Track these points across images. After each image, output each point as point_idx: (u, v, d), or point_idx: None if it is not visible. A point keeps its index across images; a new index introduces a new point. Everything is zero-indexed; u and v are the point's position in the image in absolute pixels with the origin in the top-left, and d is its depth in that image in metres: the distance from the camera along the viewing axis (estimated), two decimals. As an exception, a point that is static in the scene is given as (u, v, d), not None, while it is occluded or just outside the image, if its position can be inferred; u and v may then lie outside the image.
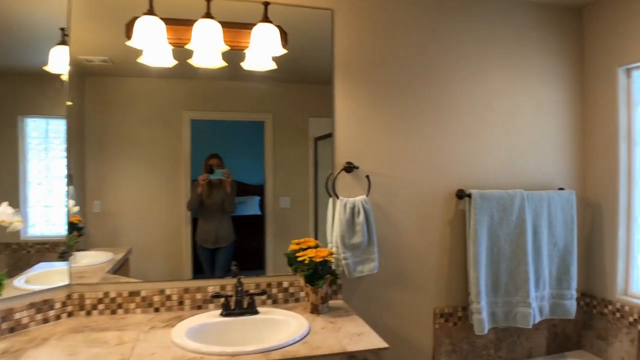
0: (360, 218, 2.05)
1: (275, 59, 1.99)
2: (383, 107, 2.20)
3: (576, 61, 2.55)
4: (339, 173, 2.12)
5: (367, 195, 2.12)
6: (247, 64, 1.99)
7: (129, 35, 1.80)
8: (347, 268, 2.02)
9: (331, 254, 1.90)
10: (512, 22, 2.41)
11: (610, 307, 2.40)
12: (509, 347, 2.41)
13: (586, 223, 2.54)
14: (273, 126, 2.09)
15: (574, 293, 2.39)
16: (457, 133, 2.32)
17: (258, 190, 2.11)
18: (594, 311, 2.49)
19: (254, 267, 2.06)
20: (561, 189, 2.49)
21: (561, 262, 2.40)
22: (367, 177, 2.14)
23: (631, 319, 2.28)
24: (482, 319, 2.20)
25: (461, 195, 2.31)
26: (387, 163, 2.21)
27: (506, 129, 2.41)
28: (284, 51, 1.90)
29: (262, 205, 2.11)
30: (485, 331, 2.20)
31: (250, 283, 1.99)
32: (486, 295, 2.25)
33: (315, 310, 1.88)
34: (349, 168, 2.13)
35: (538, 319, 2.30)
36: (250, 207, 2.14)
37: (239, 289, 1.83)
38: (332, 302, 2.02)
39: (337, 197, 2.08)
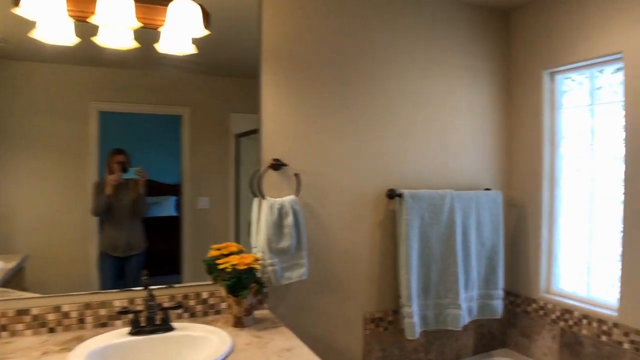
0: (289, 220, 1.91)
1: (196, 44, 1.78)
2: (314, 103, 2.07)
3: (504, 63, 2.58)
4: (265, 171, 1.96)
5: (296, 195, 1.98)
6: (163, 46, 1.75)
7: (17, 2, 1.50)
8: (274, 275, 1.86)
9: (257, 260, 1.73)
10: (442, 21, 2.38)
11: (533, 305, 2.44)
12: (438, 350, 2.39)
13: (510, 223, 2.58)
14: (191, 121, 1.89)
15: (500, 293, 2.41)
16: (388, 132, 2.25)
17: (174, 189, 1.89)
18: (518, 310, 2.53)
19: (169, 273, 1.85)
20: (488, 189, 2.50)
21: (489, 262, 2.41)
22: (297, 175, 2.00)
23: (553, 316, 2.33)
24: (414, 323, 2.14)
25: (392, 195, 2.24)
26: (318, 161, 2.08)
27: (437, 129, 2.37)
28: (206, 32, 1.70)
29: (178, 205, 1.90)
30: (417, 335, 2.15)
31: (163, 295, 1.77)
32: (417, 298, 2.20)
33: (239, 323, 1.71)
34: (277, 165, 1.98)
35: (467, 320, 2.29)
36: (165, 207, 1.92)
37: (150, 302, 1.60)
38: (257, 313, 1.86)
39: (264, 197, 1.92)
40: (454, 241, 2.26)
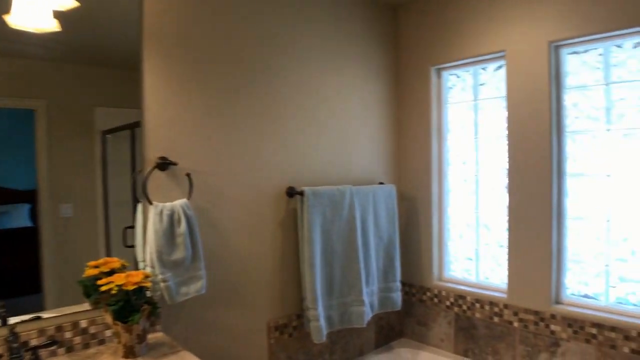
0: (182, 227, 1.66)
1: (60, 21, 1.44)
2: (206, 94, 1.83)
3: (395, 59, 2.61)
4: (150, 171, 1.68)
5: (188, 199, 1.74)
6: (16, 19, 1.38)
7: None
8: (168, 292, 1.61)
9: (147, 277, 1.46)
10: (337, 16, 2.31)
11: (428, 293, 2.52)
12: (342, 349, 2.33)
13: (403, 215, 2.63)
14: (48, 116, 1.54)
15: (399, 285, 2.44)
16: (286, 127, 2.11)
17: (28, 196, 1.53)
18: (414, 299, 2.60)
19: (27, 293, 1.49)
20: (381, 183, 2.51)
21: (386, 255, 2.42)
22: (188, 175, 1.76)
23: (448, 303, 2.42)
24: (320, 325, 2.04)
25: (292, 193, 2.11)
26: (211, 158, 1.86)
27: (333, 123, 2.30)
28: (73, 3, 1.38)
29: (33, 214, 1.53)
30: (324, 338, 2.05)
31: (30, 331, 1.41)
32: (322, 298, 2.11)
33: (130, 353, 1.42)
34: (164, 165, 1.71)
35: (370, 316, 2.27)
36: (17, 218, 1.54)
37: (14, 344, 1.25)
38: (150, 337, 1.59)
39: (150, 203, 1.65)
40: (355, 237, 2.21)
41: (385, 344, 2.55)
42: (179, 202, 1.69)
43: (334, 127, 2.30)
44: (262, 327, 2.02)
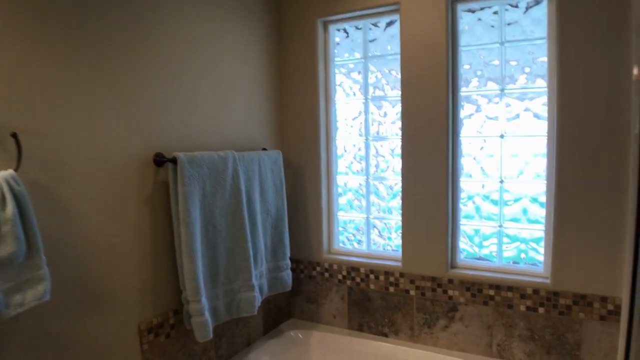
0: (8, 211, 1.15)
1: None
2: (46, 35, 1.30)
3: (277, 10, 2.28)
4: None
5: (15, 170, 1.21)
6: None
7: None
8: (-10, 305, 1.10)
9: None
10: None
11: (318, 268, 2.32)
12: (229, 341, 2.01)
13: (289, 185, 2.37)
14: None
15: (288, 263, 2.19)
16: (153, 81, 1.66)
17: None
18: (302, 276, 2.38)
19: None
20: (264, 149, 2.21)
21: (275, 231, 2.15)
22: (15, 136, 1.23)
23: (340, 277, 2.26)
24: (205, 320, 1.69)
25: (161, 160, 1.69)
26: (50, 115, 1.34)
27: (210, 79, 1.91)
28: None
29: None
30: (211, 334, 1.71)
31: None
32: (205, 288, 1.75)
33: None
34: (-28, 122, 1.17)
35: (260, 301, 1.98)
36: None
37: None
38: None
39: (-50, 178, 1.10)
40: (241, 212, 1.88)
41: (274, 328, 2.30)
42: (3, 175, 1.17)
43: (210, 86, 1.91)
44: (131, 332, 1.59)
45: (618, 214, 1.66)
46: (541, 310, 1.82)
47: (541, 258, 1.89)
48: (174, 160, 1.68)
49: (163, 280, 1.72)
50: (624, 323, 1.67)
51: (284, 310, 2.39)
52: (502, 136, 1.92)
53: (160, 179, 1.71)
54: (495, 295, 1.90)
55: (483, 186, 1.98)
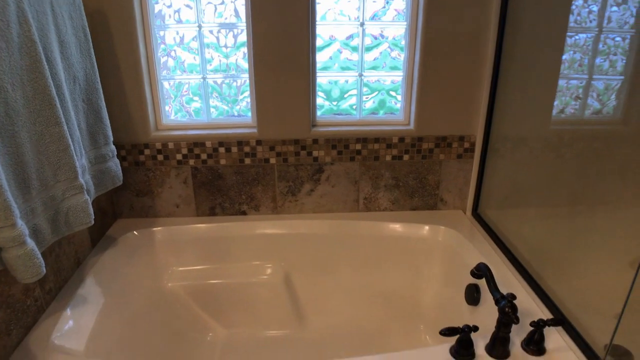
0: None
1: None
2: None
3: None
4: None
5: None
6: None
7: None
8: None
9: None
10: None
11: (147, 151, 1.80)
12: (55, 270, 1.41)
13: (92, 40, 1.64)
14: None
15: (114, 149, 1.60)
16: None
17: None
18: (125, 164, 1.82)
19: None
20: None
21: (89, 107, 1.50)
22: None
23: (179, 157, 1.81)
24: (32, 250, 1.10)
25: None
26: None
27: None
28: None
29: None
30: (44, 268, 1.14)
31: None
32: (17, 205, 1.12)
33: None
34: None
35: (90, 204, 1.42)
36: None
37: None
38: None
39: None
40: (44, 77, 1.19)
41: (102, 236, 1.76)
42: None
43: None
44: None
45: (478, 60, 1.70)
46: (406, 157, 1.85)
47: (399, 106, 1.87)
48: None
49: None
50: (477, 156, 1.84)
51: (108, 212, 1.83)
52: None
53: None
54: (362, 149, 1.83)
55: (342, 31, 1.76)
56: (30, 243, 1.10)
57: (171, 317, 1.76)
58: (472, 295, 1.56)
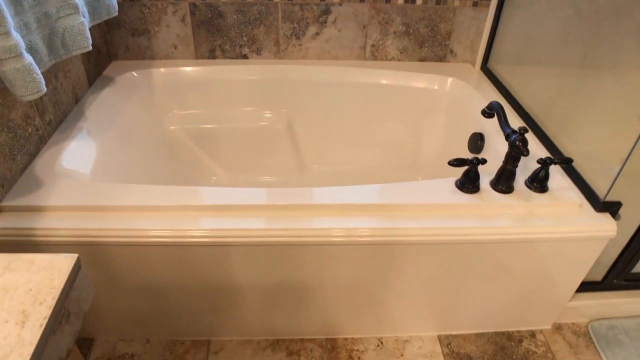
0: None
1: None
2: None
3: None
4: None
5: None
6: None
7: None
8: None
9: None
10: None
11: (140, -17, 1.65)
12: (53, 102, 1.37)
13: None
14: None
15: (104, -28, 1.46)
16: None
17: None
18: (117, -2, 1.68)
19: None
20: None
21: None
22: None
23: (176, -8, 1.67)
24: (30, 64, 1.04)
25: None
26: None
27: None
28: None
29: None
30: (44, 86, 1.09)
31: None
32: (9, 14, 1.03)
33: None
34: None
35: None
36: None
37: None
38: None
39: None
40: None
41: (99, 75, 1.68)
42: None
43: None
44: None
45: None
46: (419, 1, 1.72)
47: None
48: None
49: None
50: (493, 4, 1.73)
51: (103, 52, 1.73)
52: None
53: None
54: (373, -12, 1.70)
55: None
56: (28, 57, 1.04)
57: (175, 159, 1.76)
58: (476, 144, 1.57)
